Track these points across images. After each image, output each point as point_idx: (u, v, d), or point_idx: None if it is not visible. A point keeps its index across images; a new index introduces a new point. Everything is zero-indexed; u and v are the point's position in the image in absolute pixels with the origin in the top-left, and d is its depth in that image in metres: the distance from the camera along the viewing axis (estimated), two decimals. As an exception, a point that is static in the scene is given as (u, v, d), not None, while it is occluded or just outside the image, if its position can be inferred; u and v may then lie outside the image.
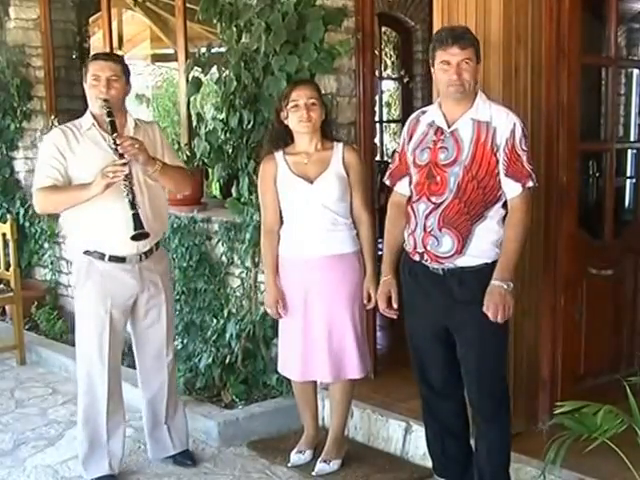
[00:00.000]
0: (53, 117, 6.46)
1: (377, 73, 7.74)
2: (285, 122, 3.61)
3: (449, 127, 3.11)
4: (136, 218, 3.30)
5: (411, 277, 3.23)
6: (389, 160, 6.79)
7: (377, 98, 7.84)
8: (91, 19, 7.18)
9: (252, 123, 4.36)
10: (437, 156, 3.09)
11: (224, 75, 4.47)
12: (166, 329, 3.73)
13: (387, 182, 3.39)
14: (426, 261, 3.13)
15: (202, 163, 4.83)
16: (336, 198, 3.57)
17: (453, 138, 3.08)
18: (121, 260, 3.55)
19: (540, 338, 3.72)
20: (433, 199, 3.09)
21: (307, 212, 3.58)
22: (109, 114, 3.41)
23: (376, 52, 7.26)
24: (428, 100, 9.82)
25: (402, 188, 3.31)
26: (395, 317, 3.36)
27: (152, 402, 3.82)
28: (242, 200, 4.47)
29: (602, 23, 4.04)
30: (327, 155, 3.61)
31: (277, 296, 3.67)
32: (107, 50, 6.34)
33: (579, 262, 3.82)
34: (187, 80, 5.38)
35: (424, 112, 3.27)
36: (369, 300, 3.63)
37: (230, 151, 4.56)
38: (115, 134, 3.37)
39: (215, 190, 6.01)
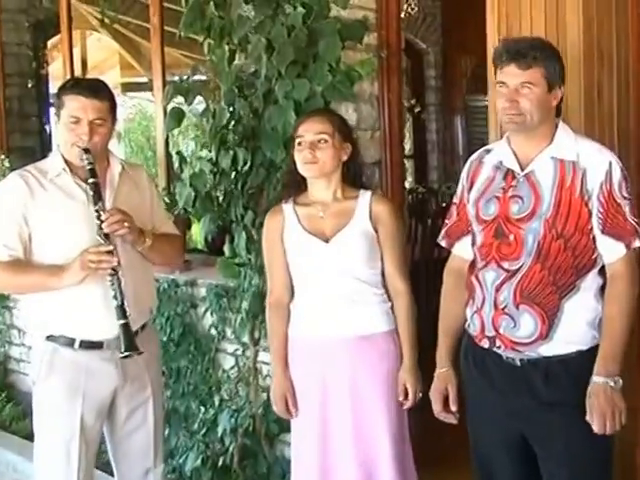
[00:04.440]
0: (3, 157, 6.06)
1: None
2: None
3: (522, 169, 2.60)
4: (120, 311, 2.84)
5: (477, 369, 2.72)
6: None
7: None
8: (50, 42, 6.87)
9: (249, 164, 3.79)
10: (508, 208, 2.59)
11: (213, 105, 3.89)
12: (153, 434, 3.16)
13: (442, 243, 2.89)
14: (498, 348, 2.62)
15: (184, 211, 4.22)
16: (360, 261, 3.01)
17: (528, 183, 2.58)
18: (97, 346, 2.99)
19: None
20: (506, 265, 2.57)
21: (323, 280, 3.04)
22: (91, 171, 2.88)
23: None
24: (443, 134, 9.53)
25: (462, 250, 2.80)
26: (455, 422, 2.78)
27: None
28: (238, 260, 3.87)
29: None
30: (350, 206, 3.05)
31: (285, 390, 3.10)
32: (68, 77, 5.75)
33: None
34: (165, 111, 4.89)
35: (488, 151, 2.77)
36: (406, 397, 3.02)
37: (221, 199, 3.97)
38: (99, 204, 2.86)
39: (200, 242, 5.36)
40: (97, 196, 2.88)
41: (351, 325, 3.00)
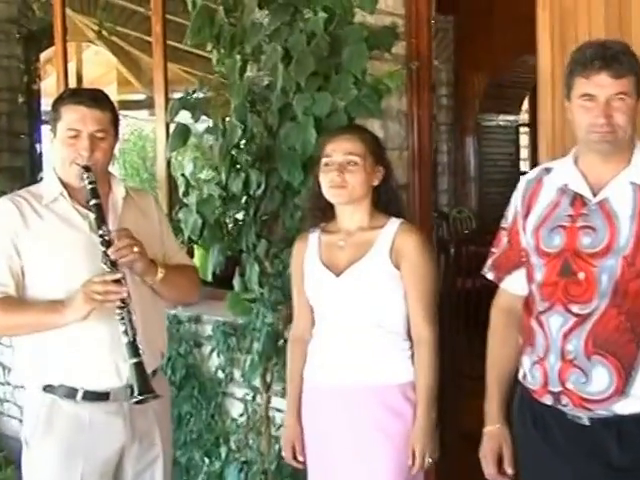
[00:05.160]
0: (-10, 179, 5.82)
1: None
2: None
3: (595, 195, 2.26)
4: (132, 348, 2.49)
5: (536, 429, 2.36)
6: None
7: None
8: (43, 55, 6.59)
9: (263, 187, 3.44)
10: (578, 241, 2.24)
11: (219, 121, 3.56)
12: None
13: (489, 275, 2.55)
14: (564, 406, 2.27)
15: (189, 241, 3.86)
16: (374, 300, 2.67)
17: (602, 212, 2.24)
18: (102, 398, 2.63)
19: None
20: (575, 309, 2.23)
21: (332, 318, 2.74)
22: (93, 191, 2.56)
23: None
24: (455, 155, 9.22)
25: (514, 285, 2.47)
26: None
27: None
28: (249, 296, 3.52)
29: None
30: (372, 236, 2.72)
31: (294, 436, 2.83)
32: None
33: None
34: (167, 129, 4.56)
35: (548, 170, 2.41)
36: (413, 462, 2.64)
37: (230, 226, 3.62)
38: (103, 227, 2.53)
39: (206, 274, 5.00)
40: (101, 219, 2.55)
41: (363, 372, 2.67)
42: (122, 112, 8.52)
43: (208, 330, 4.10)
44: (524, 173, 2.61)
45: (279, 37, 3.38)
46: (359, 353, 2.67)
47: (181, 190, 3.77)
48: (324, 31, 3.26)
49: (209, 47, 3.69)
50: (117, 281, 2.48)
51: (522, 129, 9.02)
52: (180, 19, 5.69)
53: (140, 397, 2.48)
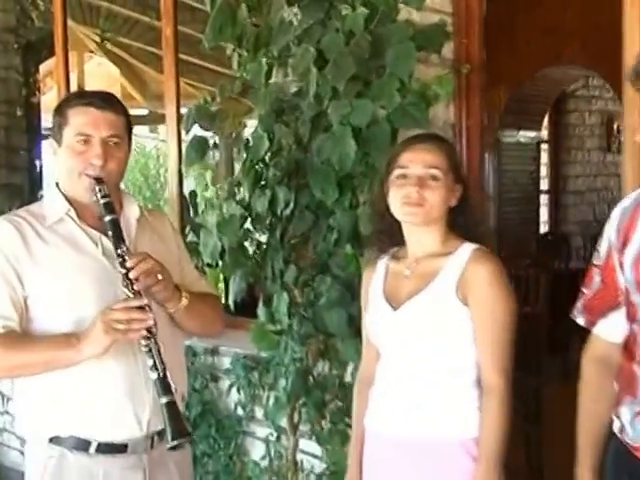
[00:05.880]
0: (-14, 198, 5.52)
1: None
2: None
3: None
4: (163, 385, 2.11)
5: None
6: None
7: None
8: (42, 66, 6.23)
9: (292, 206, 3.05)
10: None
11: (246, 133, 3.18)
12: None
13: (580, 320, 2.13)
14: None
15: (206, 265, 3.47)
16: (436, 339, 2.26)
17: None
18: (119, 450, 2.25)
19: None
20: None
21: (389, 358, 2.35)
22: (107, 206, 2.19)
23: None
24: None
25: (610, 331, 2.06)
26: None
27: None
28: (276, 327, 3.13)
29: None
30: (439, 264, 2.30)
31: None
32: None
33: None
34: (178, 143, 4.20)
35: None
36: None
37: (253, 249, 3.24)
38: (122, 246, 2.17)
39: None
40: (119, 237, 2.18)
41: (421, 424, 2.27)
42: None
43: (226, 363, 3.77)
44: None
45: (311, 37, 3.00)
46: (419, 401, 2.26)
47: (199, 210, 3.38)
48: (364, 30, 2.88)
49: (229, 50, 3.32)
50: (141, 308, 2.11)
51: (542, 145, 8.65)
52: (187, 29, 5.40)
53: (175, 442, 2.09)
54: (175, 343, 2.37)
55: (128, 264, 2.12)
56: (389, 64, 2.86)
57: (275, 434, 3.45)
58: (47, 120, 5.83)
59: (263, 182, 3.15)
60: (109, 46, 6.92)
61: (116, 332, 2.08)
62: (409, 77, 2.86)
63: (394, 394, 2.31)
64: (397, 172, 2.27)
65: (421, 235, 2.31)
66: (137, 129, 9.01)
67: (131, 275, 2.11)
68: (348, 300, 2.93)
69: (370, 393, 2.39)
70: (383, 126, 2.88)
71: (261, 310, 3.22)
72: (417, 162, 2.26)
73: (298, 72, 3.00)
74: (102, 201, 2.18)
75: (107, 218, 2.17)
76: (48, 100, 6.32)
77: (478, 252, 2.27)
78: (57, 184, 2.32)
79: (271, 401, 3.38)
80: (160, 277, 2.17)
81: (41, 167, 6.08)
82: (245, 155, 3.17)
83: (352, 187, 3.00)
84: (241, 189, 3.27)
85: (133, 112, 8.18)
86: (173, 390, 2.10)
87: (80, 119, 2.21)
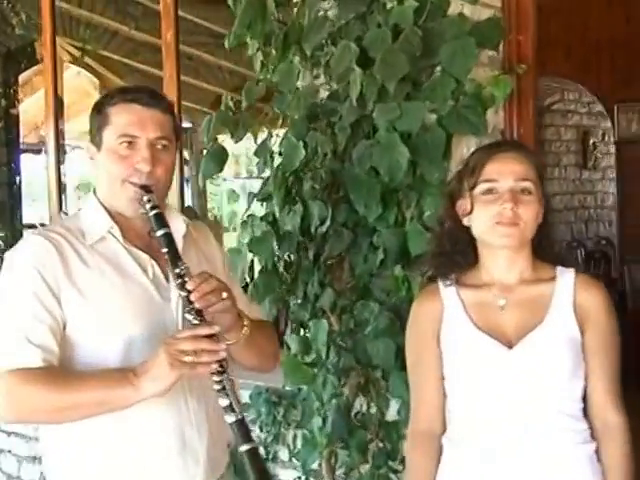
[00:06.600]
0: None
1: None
2: (465, 222, 2.00)
3: None
4: (245, 432, 1.73)
5: None
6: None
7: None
8: (22, 76, 5.90)
9: (329, 223, 2.70)
10: None
11: (275, 140, 2.84)
12: None
13: None
14: None
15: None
16: (560, 380, 1.93)
17: None
18: None
19: None
20: None
21: (496, 403, 1.95)
22: (158, 218, 1.84)
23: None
24: None
25: None
26: None
27: None
28: (312, 359, 2.77)
29: None
30: (544, 292, 1.99)
31: None
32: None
33: None
34: (181, 154, 3.86)
35: None
36: None
37: (281, 270, 2.89)
38: (182, 266, 1.80)
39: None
40: (175, 254, 1.82)
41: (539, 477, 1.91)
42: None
43: (245, 397, 3.31)
44: None
45: (350, 33, 2.66)
46: (533, 450, 1.90)
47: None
48: (413, 25, 2.55)
49: (251, 50, 2.98)
50: (210, 336, 1.73)
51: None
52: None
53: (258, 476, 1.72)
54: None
55: (189, 286, 1.75)
56: (444, 62, 2.53)
57: (303, 478, 3.07)
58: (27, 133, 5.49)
59: (295, 195, 2.80)
60: (85, 58, 6.51)
61: (183, 366, 1.70)
62: (465, 77, 2.53)
63: (499, 441, 1.92)
64: (483, 186, 1.94)
65: (512, 259, 1.97)
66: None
67: (193, 298, 1.75)
68: (397, 329, 2.57)
69: (451, 442, 2.01)
70: (436, 132, 2.55)
71: (292, 339, 2.86)
72: (507, 174, 1.93)
73: (338, 72, 2.65)
74: (152, 213, 1.83)
75: (159, 232, 1.82)
76: (27, 108, 5.97)
77: (583, 278, 2.00)
78: (94, 191, 1.96)
79: (299, 441, 3.02)
80: (225, 295, 1.80)
81: (20, 182, 5.69)
82: (273, 166, 2.82)
83: (397, 201, 2.66)
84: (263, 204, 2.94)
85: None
86: (254, 440, 1.74)
87: (124, 118, 1.86)
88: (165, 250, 1.81)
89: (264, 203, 2.96)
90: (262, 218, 2.90)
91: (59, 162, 4.58)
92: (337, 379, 2.76)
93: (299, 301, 2.85)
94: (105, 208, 1.91)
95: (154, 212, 1.82)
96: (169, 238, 1.82)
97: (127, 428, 1.81)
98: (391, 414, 2.80)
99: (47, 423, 1.86)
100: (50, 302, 1.79)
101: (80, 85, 7.37)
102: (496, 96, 2.59)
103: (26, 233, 1.90)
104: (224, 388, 1.72)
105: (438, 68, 2.58)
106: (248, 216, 2.90)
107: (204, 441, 1.87)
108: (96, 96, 7.50)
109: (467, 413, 1.99)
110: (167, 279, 1.89)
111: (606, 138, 8.59)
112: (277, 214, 2.79)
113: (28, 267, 1.81)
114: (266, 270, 2.77)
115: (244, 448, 1.70)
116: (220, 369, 1.72)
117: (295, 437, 3.09)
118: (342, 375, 2.77)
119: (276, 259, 2.84)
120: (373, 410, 2.83)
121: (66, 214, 3.98)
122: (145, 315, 1.84)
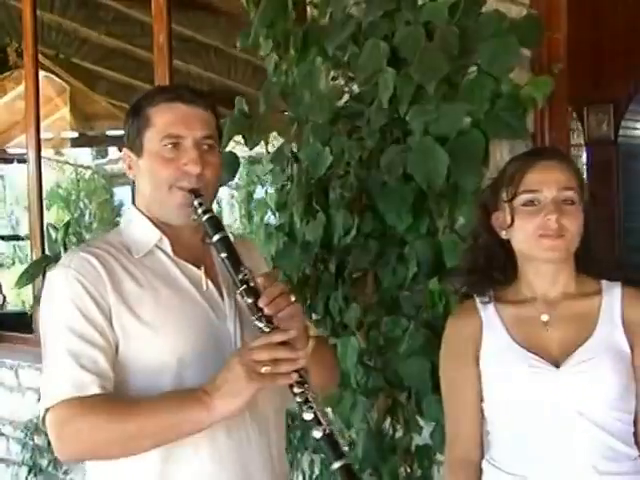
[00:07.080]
0: None
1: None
2: (502, 235, 1.89)
3: None
4: (336, 446, 1.57)
5: None
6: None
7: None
8: None
9: (353, 234, 2.52)
10: None
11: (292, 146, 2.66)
12: None
13: None
14: None
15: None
16: (610, 400, 1.79)
17: None
18: None
19: None
20: None
21: (543, 427, 1.80)
22: (212, 221, 1.66)
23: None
24: None
25: None
26: None
27: None
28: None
29: None
30: (589, 307, 1.87)
31: None
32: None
33: None
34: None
35: None
36: None
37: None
38: (244, 270, 1.62)
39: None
40: (236, 259, 1.64)
41: None
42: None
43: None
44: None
45: (378, 31, 2.49)
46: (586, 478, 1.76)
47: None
48: (449, 21, 2.38)
49: (264, 50, 2.79)
50: (285, 343, 1.57)
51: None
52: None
53: None
54: (283, 406, 1.83)
55: (263, 300, 1.58)
56: (482, 61, 2.36)
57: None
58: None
59: (315, 204, 2.62)
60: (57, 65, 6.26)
61: (262, 378, 1.53)
62: (505, 78, 2.37)
63: (547, 468, 1.78)
64: (525, 197, 1.82)
65: (556, 272, 1.86)
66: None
67: (261, 303, 1.57)
68: (434, 347, 2.39)
69: (491, 471, 1.86)
70: (475, 136, 2.38)
71: (312, 359, 2.67)
72: (550, 184, 1.81)
73: (366, 73, 2.47)
74: (205, 217, 1.65)
75: (216, 237, 1.64)
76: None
77: (630, 291, 1.89)
78: (134, 203, 1.77)
79: (316, 467, 2.83)
80: (294, 299, 1.64)
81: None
82: (294, 174, 2.63)
83: (429, 210, 2.49)
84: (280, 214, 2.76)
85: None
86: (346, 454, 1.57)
87: (167, 117, 1.69)
88: (224, 255, 1.63)
89: (277, 213, 2.78)
90: (277, 228, 2.73)
91: (40, 171, 4.34)
92: (369, 401, 2.58)
93: (318, 317, 2.67)
94: (149, 218, 1.72)
95: (207, 216, 1.65)
96: (227, 242, 1.64)
97: (181, 460, 1.63)
98: (421, 438, 2.62)
99: (108, 458, 1.64)
100: (100, 322, 1.61)
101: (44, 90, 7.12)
102: (535, 97, 2.43)
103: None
104: (307, 400, 1.55)
105: (472, 68, 2.42)
106: (266, 225, 2.71)
107: (268, 474, 1.70)
108: (59, 102, 7.29)
109: (511, 437, 1.84)
110: (221, 294, 1.71)
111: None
112: (297, 224, 2.60)
113: (75, 288, 1.61)
114: (299, 283, 2.58)
115: (337, 465, 1.54)
116: (299, 379, 1.55)
117: (312, 462, 2.89)
118: (370, 396, 2.58)
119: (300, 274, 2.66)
120: (399, 434, 2.65)
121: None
122: (200, 334, 1.66)
